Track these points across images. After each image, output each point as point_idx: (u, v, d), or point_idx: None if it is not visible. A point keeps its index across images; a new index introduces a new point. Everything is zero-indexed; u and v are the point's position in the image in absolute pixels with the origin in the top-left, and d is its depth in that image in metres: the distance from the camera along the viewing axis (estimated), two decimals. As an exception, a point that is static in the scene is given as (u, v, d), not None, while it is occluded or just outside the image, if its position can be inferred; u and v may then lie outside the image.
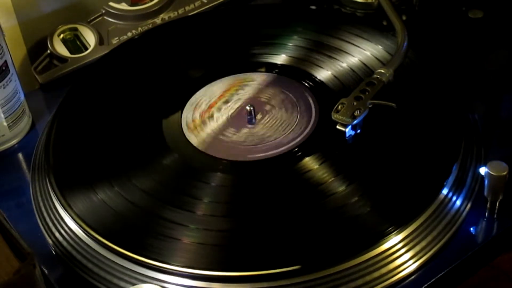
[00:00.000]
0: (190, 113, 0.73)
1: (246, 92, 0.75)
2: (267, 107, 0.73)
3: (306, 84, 0.75)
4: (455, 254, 0.62)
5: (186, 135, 0.71)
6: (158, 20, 0.87)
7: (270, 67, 0.78)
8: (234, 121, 0.73)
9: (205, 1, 0.89)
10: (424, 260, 0.62)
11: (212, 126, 0.72)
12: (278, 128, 0.71)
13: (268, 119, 0.72)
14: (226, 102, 0.74)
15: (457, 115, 0.70)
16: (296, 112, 0.73)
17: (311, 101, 0.73)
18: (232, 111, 0.74)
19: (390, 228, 0.61)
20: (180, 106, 0.74)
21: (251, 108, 0.72)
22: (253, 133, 0.71)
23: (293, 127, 0.71)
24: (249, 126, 0.72)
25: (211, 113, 0.73)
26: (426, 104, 0.71)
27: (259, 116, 0.73)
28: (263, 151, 0.69)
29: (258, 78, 0.77)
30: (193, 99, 0.75)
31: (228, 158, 0.69)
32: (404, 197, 0.63)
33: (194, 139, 0.70)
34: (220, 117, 0.73)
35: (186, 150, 0.70)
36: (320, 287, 0.59)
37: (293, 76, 0.76)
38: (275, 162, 0.68)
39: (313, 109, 0.73)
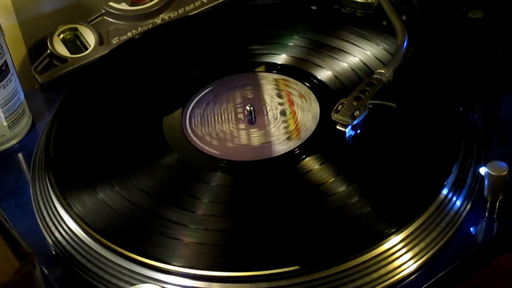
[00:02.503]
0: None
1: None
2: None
3: (306, 84, 0.75)
4: (455, 254, 0.62)
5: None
6: (158, 20, 0.87)
7: (270, 67, 0.78)
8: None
9: (205, 1, 0.89)
10: (424, 260, 0.62)
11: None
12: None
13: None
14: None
15: (457, 115, 0.70)
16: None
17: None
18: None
19: (390, 228, 0.61)
20: (180, 106, 0.74)
21: (251, 108, 0.72)
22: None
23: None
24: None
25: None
26: (426, 104, 0.71)
27: (259, 116, 0.73)
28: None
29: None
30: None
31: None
32: (404, 197, 0.63)
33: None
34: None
35: (186, 150, 0.70)
36: (321, 287, 0.60)
37: (293, 76, 0.76)
38: (275, 162, 0.68)
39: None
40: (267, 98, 0.74)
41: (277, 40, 0.80)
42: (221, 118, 0.73)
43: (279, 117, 0.72)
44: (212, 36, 0.82)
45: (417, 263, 0.61)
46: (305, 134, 0.70)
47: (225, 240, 0.62)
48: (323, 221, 0.62)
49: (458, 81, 0.76)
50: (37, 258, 0.57)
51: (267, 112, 0.73)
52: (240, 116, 0.73)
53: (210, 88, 0.76)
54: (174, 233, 0.62)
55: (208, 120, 0.73)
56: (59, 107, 0.76)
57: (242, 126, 0.72)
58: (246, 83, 0.76)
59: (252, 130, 0.72)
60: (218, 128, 0.72)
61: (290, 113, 0.73)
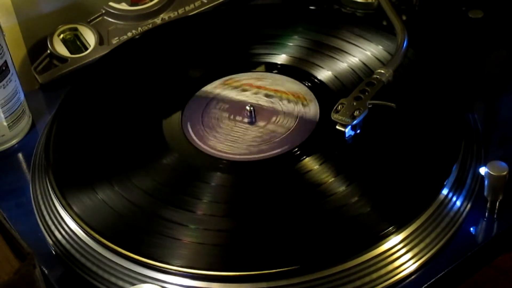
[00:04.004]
0: (244, 77, 0.74)
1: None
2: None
3: (306, 84, 0.75)
4: (455, 254, 0.62)
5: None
6: (158, 20, 0.87)
7: (270, 67, 0.78)
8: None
9: (205, 1, 0.89)
10: (424, 260, 0.62)
11: (230, 95, 0.72)
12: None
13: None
14: (267, 96, 0.74)
15: (457, 115, 0.70)
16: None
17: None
18: (234, 108, 0.73)
19: (390, 228, 0.61)
20: (180, 106, 0.74)
21: (251, 108, 0.72)
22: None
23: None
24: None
25: (249, 89, 0.74)
26: (426, 104, 0.71)
27: (259, 116, 0.73)
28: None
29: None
30: (266, 74, 0.76)
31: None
32: (404, 197, 0.63)
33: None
34: (242, 96, 0.73)
35: (186, 150, 0.70)
36: (321, 287, 0.59)
37: (293, 76, 0.76)
38: (275, 162, 0.68)
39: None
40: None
41: (277, 40, 0.80)
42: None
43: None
44: (212, 36, 0.82)
45: (417, 263, 0.61)
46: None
47: (225, 240, 0.62)
48: (323, 221, 0.62)
49: (458, 81, 0.76)
50: (37, 258, 0.57)
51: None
52: (240, 115, 0.73)
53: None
54: (174, 233, 0.62)
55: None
56: (59, 107, 0.76)
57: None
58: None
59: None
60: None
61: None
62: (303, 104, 0.73)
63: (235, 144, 0.70)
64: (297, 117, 0.72)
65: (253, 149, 0.69)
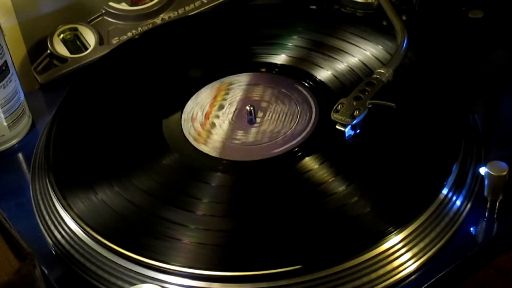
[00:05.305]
0: (190, 127, 0.72)
1: (237, 95, 0.75)
2: (266, 107, 0.73)
3: (306, 84, 0.75)
4: (455, 254, 0.62)
5: (192, 143, 0.71)
6: (158, 20, 0.87)
7: (270, 67, 0.78)
8: (236, 123, 0.72)
9: (205, 1, 0.89)
10: (424, 260, 0.62)
11: (219, 132, 0.71)
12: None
13: (269, 119, 0.72)
14: (221, 107, 0.74)
15: (457, 115, 0.70)
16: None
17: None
18: (231, 114, 0.73)
19: (390, 228, 0.61)
20: (180, 106, 0.74)
21: (251, 108, 0.72)
22: (254, 133, 0.71)
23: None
24: (250, 126, 0.72)
25: (211, 122, 0.72)
26: (426, 104, 0.71)
27: (259, 116, 0.73)
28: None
29: (244, 79, 0.77)
30: (185, 113, 0.73)
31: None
32: (404, 197, 0.63)
33: (205, 148, 0.70)
34: (222, 123, 0.73)
35: (186, 150, 0.70)
36: (320, 287, 0.59)
37: (293, 76, 0.76)
38: (275, 162, 0.68)
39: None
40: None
41: (277, 40, 0.80)
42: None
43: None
44: (212, 36, 0.82)
45: (417, 263, 0.61)
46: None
47: (225, 240, 0.62)
48: (323, 221, 0.62)
49: (458, 81, 0.76)
50: (37, 258, 0.57)
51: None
52: (241, 115, 0.73)
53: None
54: (174, 233, 0.62)
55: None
56: (59, 107, 0.76)
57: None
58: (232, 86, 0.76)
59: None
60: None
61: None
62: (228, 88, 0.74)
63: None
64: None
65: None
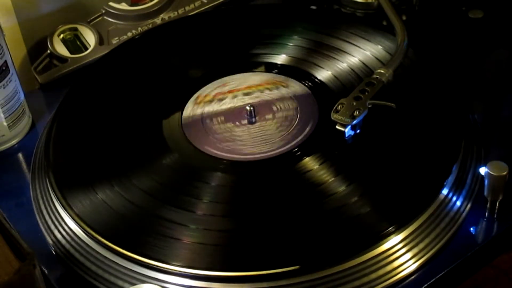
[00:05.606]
0: (209, 89, 0.73)
1: (237, 95, 0.75)
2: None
3: (306, 84, 0.75)
4: (455, 254, 0.62)
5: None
6: (158, 20, 0.87)
7: (270, 67, 0.78)
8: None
9: (205, 1, 0.89)
10: (424, 260, 0.62)
11: (214, 108, 0.72)
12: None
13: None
14: (247, 94, 0.74)
15: (457, 115, 0.70)
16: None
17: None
18: (236, 105, 0.73)
19: (390, 228, 0.61)
20: (180, 106, 0.74)
21: (251, 108, 0.72)
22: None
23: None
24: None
25: (224, 96, 0.73)
26: (426, 104, 0.71)
27: (259, 116, 0.73)
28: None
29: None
30: (226, 78, 0.76)
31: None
32: (404, 197, 0.63)
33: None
34: (225, 104, 0.73)
35: (186, 150, 0.70)
36: (320, 287, 0.60)
37: (293, 76, 0.76)
38: (275, 162, 0.68)
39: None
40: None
41: (277, 40, 0.80)
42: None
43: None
44: (212, 36, 0.82)
45: (417, 263, 0.61)
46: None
47: (225, 240, 0.62)
48: (323, 221, 0.62)
49: (458, 81, 0.76)
50: (37, 258, 0.57)
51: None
52: (240, 115, 0.73)
53: (189, 112, 0.75)
54: (174, 233, 0.62)
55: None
56: (59, 107, 0.76)
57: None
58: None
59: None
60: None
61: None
62: (284, 86, 0.73)
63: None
64: (291, 98, 0.72)
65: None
